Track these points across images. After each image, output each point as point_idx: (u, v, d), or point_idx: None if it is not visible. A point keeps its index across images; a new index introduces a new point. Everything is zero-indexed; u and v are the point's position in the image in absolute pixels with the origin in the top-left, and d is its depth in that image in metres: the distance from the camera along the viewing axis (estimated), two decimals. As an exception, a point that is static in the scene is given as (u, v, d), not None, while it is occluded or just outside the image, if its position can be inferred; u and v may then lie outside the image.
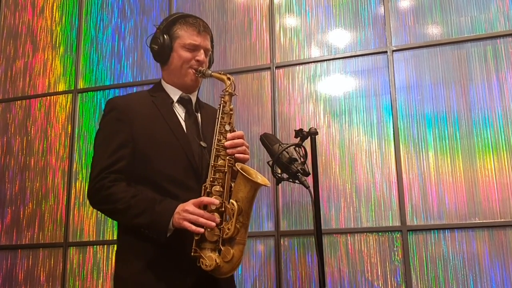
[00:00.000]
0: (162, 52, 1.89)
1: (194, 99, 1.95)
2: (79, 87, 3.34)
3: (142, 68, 3.26)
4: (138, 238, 1.72)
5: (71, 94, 3.34)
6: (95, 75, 3.35)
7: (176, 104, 1.90)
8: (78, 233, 3.10)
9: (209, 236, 1.66)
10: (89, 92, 3.32)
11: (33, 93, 3.43)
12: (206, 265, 1.65)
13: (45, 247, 3.13)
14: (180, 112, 1.89)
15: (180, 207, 1.65)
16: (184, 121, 1.87)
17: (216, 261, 1.65)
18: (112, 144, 1.76)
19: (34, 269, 3.12)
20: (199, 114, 1.94)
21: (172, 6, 3.28)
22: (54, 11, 3.55)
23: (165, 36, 1.88)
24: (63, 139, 3.28)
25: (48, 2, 3.58)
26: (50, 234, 3.14)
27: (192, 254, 1.66)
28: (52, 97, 3.38)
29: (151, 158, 1.76)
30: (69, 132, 3.27)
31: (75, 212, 3.13)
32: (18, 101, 3.44)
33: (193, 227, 1.61)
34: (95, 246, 3.05)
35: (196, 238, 1.66)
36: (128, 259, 1.75)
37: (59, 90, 3.37)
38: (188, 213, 1.63)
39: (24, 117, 3.39)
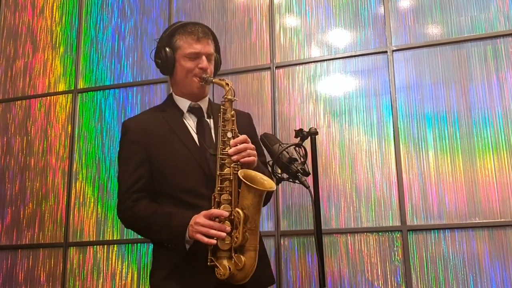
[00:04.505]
0: (166, 65, 1.92)
1: (205, 106, 1.97)
2: (79, 87, 3.34)
3: (142, 68, 3.26)
4: (164, 248, 1.82)
5: (71, 94, 3.34)
6: (95, 75, 3.35)
7: (187, 114, 1.93)
8: (78, 233, 3.10)
9: (221, 245, 1.70)
10: (89, 92, 3.32)
11: (33, 93, 3.43)
12: (220, 274, 1.68)
13: (45, 247, 3.13)
14: (191, 123, 1.92)
15: (193, 219, 1.71)
16: (196, 130, 1.90)
17: (229, 269, 1.68)
18: (130, 165, 1.85)
19: (34, 269, 3.12)
20: (211, 120, 1.96)
21: (172, 6, 3.28)
22: (54, 11, 3.55)
23: (166, 49, 1.91)
24: (63, 139, 3.28)
25: (48, 2, 3.58)
26: (50, 234, 3.14)
27: (208, 264, 1.70)
28: (52, 97, 3.38)
29: (167, 173, 1.83)
30: (69, 132, 3.27)
31: (75, 212, 3.13)
32: (18, 101, 3.44)
33: (205, 239, 1.67)
34: (95, 246, 3.05)
35: (210, 248, 1.70)
36: (156, 268, 1.85)
37: (59, 90, 3.38)
38: (199, 225, 1.68)
39: (24, 117, 3.39)
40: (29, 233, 3.18)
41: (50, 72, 3.44)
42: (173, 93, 1.98)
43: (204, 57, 1.91)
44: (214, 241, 1.67)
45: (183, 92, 1.94)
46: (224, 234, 1.68)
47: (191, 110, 1.93)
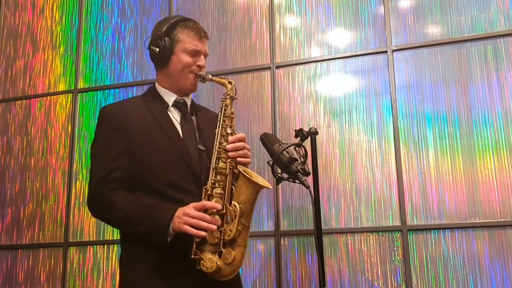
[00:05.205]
0: (162, 54, 1.87)
1: (189, 102, 1.94)
2: (79, 87, 3.34)
3: (142, 68, 3.26)
4: (141, 243, 1.72)
5: (71, 94, 3.34)
6: (95, 75, 3.35)
7: (172, 108, 1.89)
8: (78, 233, 3.10)
9: (210, 238, 1.66)
10: (89, 92, 3.32)
11: (33, 93, 3.43)
12: (206, 267, 1.64)
13: (45, 247, 3.13)
14: (175, 116, 1.88)
15: (180, 211, 1.65)
16: (180, 125, 1.86)
17: (217, 263, 1.65)
18: (109, 154, 1.76)
19: (34, 269, 3.12)
20: (194, 117, 1.94)
21: (172, 6, 3.28)
22: (54, 11, 3.55)
23: (165, 39, 1.87)
24: (63, 139, 3.28)
25: (48, 2, 3.58)
26: (50, 234, 3.14)
27: (192, 256, 1.66)
28: (52, 97, 3.38)
29: (149, 164, 1.76)
30: (69, 132, 3.27)
31: (75, 212, 3.13)
32: (18, 101, 3.44)
33: (194, 231, 1.61)
34: (95, 246, 3.05)
35: (197, 240, 1.66)
36: (133, 264, 1.74)
37: (59, 90, 3.38)
38: (188, 216, 1.63)
39: (24, 117, 3.39)
40: (29, 233, 3.18)
41: (50, 72, 3.44)
42: (157, 85, 1.94)
43: (202, 56, 1.90)
44: (204, 233, 1.62)
45: (172, 86, 1.90)
46: (215, 227, 1.64)
47: (176, 104, 1.90)
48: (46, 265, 3.11)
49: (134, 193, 1.75)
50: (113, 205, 1.71)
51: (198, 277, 1.69)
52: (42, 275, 3.10)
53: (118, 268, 1.81)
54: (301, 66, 2.97)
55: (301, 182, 1.96)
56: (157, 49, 1.88)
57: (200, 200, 1.72)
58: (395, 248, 2.60)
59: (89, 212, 1.80)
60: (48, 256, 3.12)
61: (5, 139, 3.39)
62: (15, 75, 3.50)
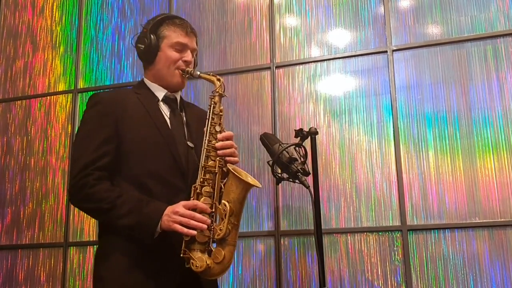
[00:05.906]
0: (148, 51, 1.88)
1: (178, 98, 1.94)
2: (79, 87, 3.34)
3: (142, 68, 3.25)
4: (121, 238, 1.69)
5: (71, 94, 3.34)
6: (95, 75, 3.35)
7: (161, 103, 1.89)
8: (78, 233, 3.10)
9: (199, 237, 1.64)
10: (89, 92, 3.31)
11: (33, 93, 3.43)
12: (196, 266, 1.63)
13: (45, 247, 3.13)
14: (165, 110, 1.88)
15: (169, 209, 1.64)
16: (170, 119, 1.86)
17: (206, 262, 1.64)
18: (96, 139, 1.72)
19: (34, 269, 3.12)
20: (183, 113, 1.93)
21: (172, 6, 3.28)
22: (54, 11, 3.55)
23: (152, 36, 1.87)
24: (63, 139, 3.28)
25: (48, 2, 3.58)
26: (50, 234, 3.14)
27: (182, 255, 1.64)
28: (52, 97, 3.38)
29: (136, 155, 1.74)
30: (69, 132, 3.27)
31: (75, 212, 3.13)
32: (18, 101, 3.44)
33: (185, 230, 1.60)
34: (95, 246, 3.05)
35: (186, 239, 1.65)
36: (111, 259, 1.70)
37: (59, 90, 3.37)
38: (178, 215, 1.61)
39: (24, 117, 3.39)
40: (29, 233, 3.18)
41: (50, 72, 3.44)
42: (146, 80, 1.94)
43: (189, 51, 1.90)
44: (194, 232, 1.61)
45: (160, 83, 1.90)
46: (205, 226, 1.63)
47: (165, 100, 1.89)
48: (46, 265, 3.11)
49: (118, 185, 1.71)
50: (98, 195, 1.66)
51: (177, 276, 1.68)
52: (42, 275, 3.10)
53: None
54: (301, 66, 2.97)
55: (301, 182, 1.96)
56: (143, 46, 1.88)
57: (188, 197, 1.71)
58: (395, 248, 2.60)
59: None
60: (48, 256, 3.12)
61: (5, 139, 3.39)
62: (15, 75, 3.50)
